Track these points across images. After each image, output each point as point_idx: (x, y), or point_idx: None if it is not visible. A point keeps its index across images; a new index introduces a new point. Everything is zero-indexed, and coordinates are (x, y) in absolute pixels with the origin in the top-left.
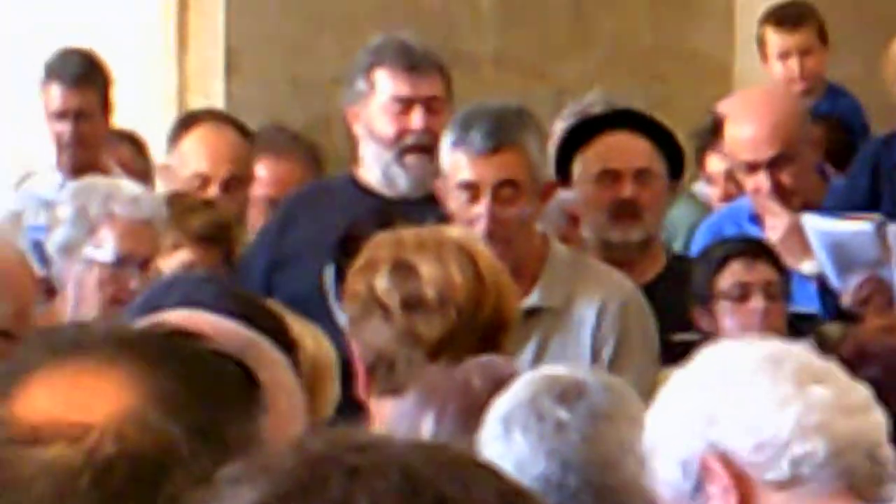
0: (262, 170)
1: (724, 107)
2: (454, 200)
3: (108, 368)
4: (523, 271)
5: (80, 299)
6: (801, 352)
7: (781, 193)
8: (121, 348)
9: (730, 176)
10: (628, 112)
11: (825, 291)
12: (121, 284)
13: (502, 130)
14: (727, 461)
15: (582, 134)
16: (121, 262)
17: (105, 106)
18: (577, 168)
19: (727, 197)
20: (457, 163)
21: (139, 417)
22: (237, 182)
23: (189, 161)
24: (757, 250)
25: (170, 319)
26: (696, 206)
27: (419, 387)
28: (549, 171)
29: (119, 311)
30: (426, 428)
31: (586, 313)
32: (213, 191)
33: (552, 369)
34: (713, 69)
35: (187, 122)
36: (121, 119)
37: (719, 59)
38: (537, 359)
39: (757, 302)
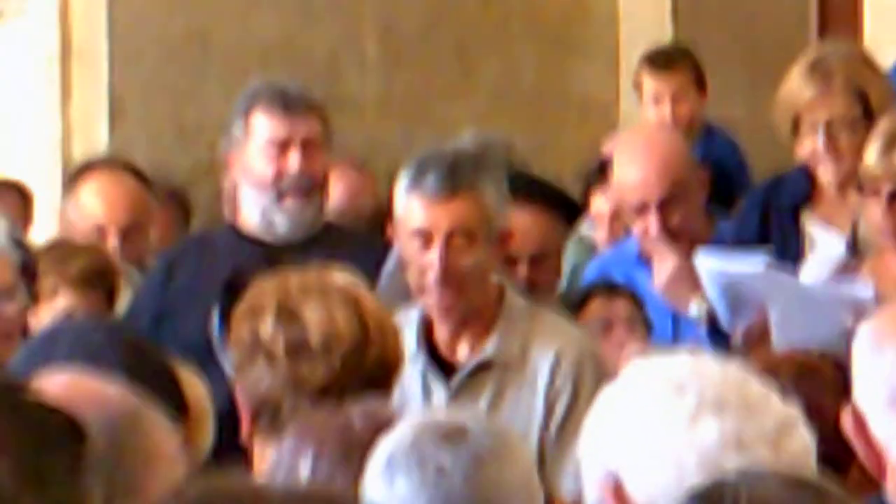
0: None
1: (610, 148)
2: (407, 246)
3: None
4: (478, 320)
5: None
6: (717, 374)
7: (670, 235)
8: None
9: (615, 217)
10: (514, 178)
11: (715, 332)
12: None
13: (458, 175)
14: (619, 493)
15: None
16: None
17: None
18: None
19: (613, 238)
20: (410, 208)
21: None
22: (136, 229)
23: (86, 212)
24: (615, 287)
25: (53, 383)
26: (583, 247)
27: (297, 429)
28: (507, 216)
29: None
30: (304, 470)
31: (541, 366)
32: (112, 241)
33: (433, 412)
34: (597, 111)
35: (83, 171)
36: (5, 167)
37: (603, 100)
38: (491, 411)
39: (620, 333)
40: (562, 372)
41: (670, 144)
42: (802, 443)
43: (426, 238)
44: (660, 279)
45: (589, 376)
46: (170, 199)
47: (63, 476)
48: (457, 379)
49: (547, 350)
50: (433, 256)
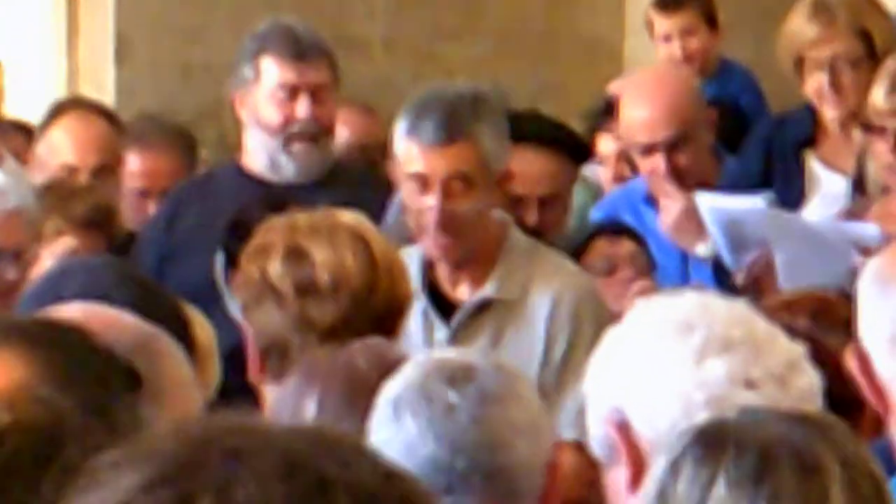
0: (134, 162)
1: (617, 88)
2: (405, 189)
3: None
4: (478, 261)
5: None
6: (724, 313)
7: (677, 175)
8: (9, 332)
9: (621, 157)
10: (523, 119)
11: (720, 271)
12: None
13: (454, 122)
14: (625, 429)
15: None
16: None
17: None
18: None
19: (618, 178)
20: (408, 153)
21: (31, 391)
22: (106, 171)
23: (57, 152)
24: (619, 228)
25: (67, 312)
26: (587, 189)
27: (302, 369)
28: (506, 157)
29: (1, 303)
30: (309, 410)
31: (540, 305)
32: (82, 180)
33: (442, 352)
34: (603, 51)
35: (55, 112)
36: (11, 108)
37: (609, 41)
38: (492, 350)
39: (625, 273)
40: (561, 312)
41: (678, 84)
42: (809, 380)
43: (424, 183)
44: (667, 220)
45: (588, 316)
46: (177, 140)
47: (126, 415)
48: (457, 318)
49: (547, 290)
50: (431, 201)
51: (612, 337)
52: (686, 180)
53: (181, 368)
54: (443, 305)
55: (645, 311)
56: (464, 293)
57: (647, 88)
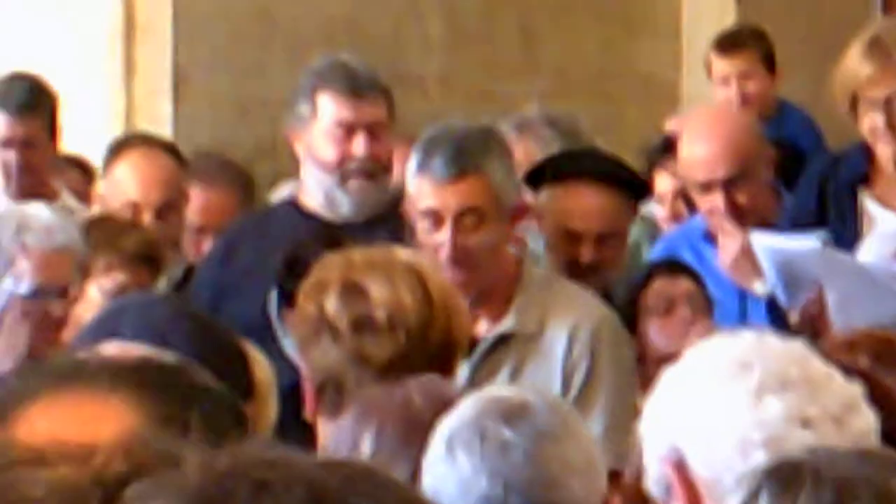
0: (192, 198)
1: (676, 125)
2: (418, 226)
3: (109, 394)
4: (495, 296)
5: (4, 332)
6: (782, 352)
7: (736, 213)
8: (119, 375)
9: (678, 195)
10: (584, 157)
11: (775, 310)
12: (42, 315)
13: (464, 157)
14: (682, 468)
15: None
16: (38, 293)
17: (52, 132)
18: (541, 201)
19: (675, 216)
20: (420, 189)
21: (145, 438)
22: (170, 207)
23: (121, 189)
24: (676, 266)
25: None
26: (643, 226)
27: (359, 405)
28: (518, 191)
29: (45, 341)
30: (365, 446)
31: (558, 337)
32: (146, 218)
33: (497, 389)
34: (661, 89)
35: (118, 148)
36: (69, 142)
37: (667, 78)
38: (510, 383)
39: (682, 312)
40: (579, 343)
41: (738, 122)
42: (866, 421)
43: (436, 219)
44: (725, 257)
45: (606, 346)
46: (235, 177)
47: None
48: (476, 353)
49: (564, 321)
50: (444, 237)
51: (670, 376)
52: (745, 218)
53: None
54: None
55: (703, 350)
56: (482, 328)
57: (706, 126)
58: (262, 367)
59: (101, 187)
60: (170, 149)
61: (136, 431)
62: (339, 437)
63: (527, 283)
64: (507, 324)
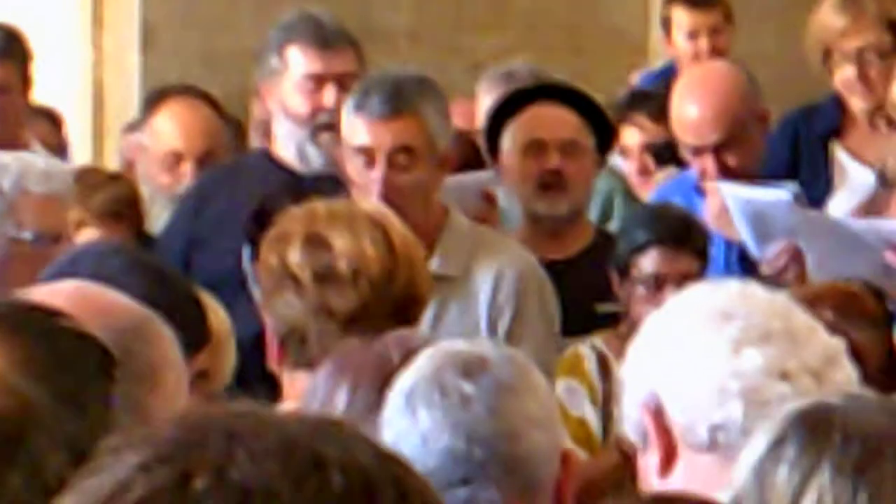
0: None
1: (635, 79)
2: (351, 165)
3: None
4: (421, 239)
5: (3, 277)
6: (765, 304)
7: (727, 175)
8: None
9: (644, 149)
10: (556, 85)
11: (745, 261)
12: (43, 260)
13: (400, 97)
14: (659, 415)
15: (510, 106)
16: (38, 238)
17: (25, 81)
18: (506, 140)
19: (642, 171)
20: (354, 127)
21: (1, 379)
22: (211, 157)
23: (162, 139)
24: (681, 237)
25: (62, 290)
26: (613, 177)
27: (334, 359)
28: (450, 140)
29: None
30: (340, 400)
31: (483, 282)
32: (187, 167)
33: (454, 343)
34: (627, 43)
35: (158, 99)
36: (38, 95)
37: (633, 32)
38: (434, 326)
39: (670, 294)
40: (505, 287)
41: (731, 83)
42: (846, 375)
43: (369, 156)
44: (711, 213)
45: (532, 291)
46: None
47: (97, 401)
48: None
49: (489, 266)
50: (376, 174)
51: (653, 322)
52: (736, 179)
53: (173, 351)
54: None
55: (686, 299)
56: None
57: (698, 87)
58: (218, 316)
59: (141, 138)
60: (208, 98)
61: None
62: (314, 390)
63: (452, 229)
64: (431, 265)
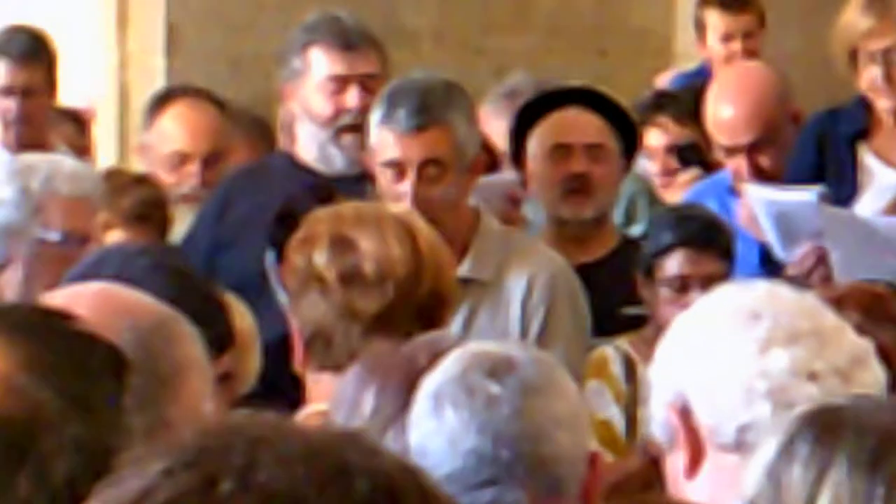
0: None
1: (662, 81)
2: (381, 177)
3: None
4: (453, 245)
5: (30, 278)
6: (793, 304)
7: (761, 176)
8: None
9: (669, 150)
10: (581, 89)
11: (768, 261)
12: (69, 261)
13: (428, 108)
14: (686, 415)
15: (536, 111)
16: (67, 239)
17: (51, 83)
18: (531, 145)
19: (666, 172)
20: (383, 140)
21: (8, 382)
22: (217, 158)
23: (168, 139)
24: (706, 239)
25: (86, 291)
26: (636, 181)
27: (363, 362)
28: (479, 145)
29: None
30: (367, 402)
31: (515, 286)
32: (193, 168)
33: (481, 345)
34: (653, 45)
35: (163, 99)
36: (63, 96)
37: (659, 34)
38: (465, 330)
39: (695, 296)
40: (536, 292)
41: (765, 84)
42: (874, 376)
43: (399, 170)
44: (743, 214)
45: (563, 296)
46: (253, 126)
47: (106, 403)
48: None
49: (522, 270)
50: (406, 188)
51: (681, 322)
52: (770, 179)
53: (197, 351)
54: None
55: (714, 299)
56: None
57: (733, 87)
58: (243, 318)
59: (146, 138)
60: (214, 99)
61: (1, 375)
62: (342, 393)
63: (484, 233)
64: (462, 269)
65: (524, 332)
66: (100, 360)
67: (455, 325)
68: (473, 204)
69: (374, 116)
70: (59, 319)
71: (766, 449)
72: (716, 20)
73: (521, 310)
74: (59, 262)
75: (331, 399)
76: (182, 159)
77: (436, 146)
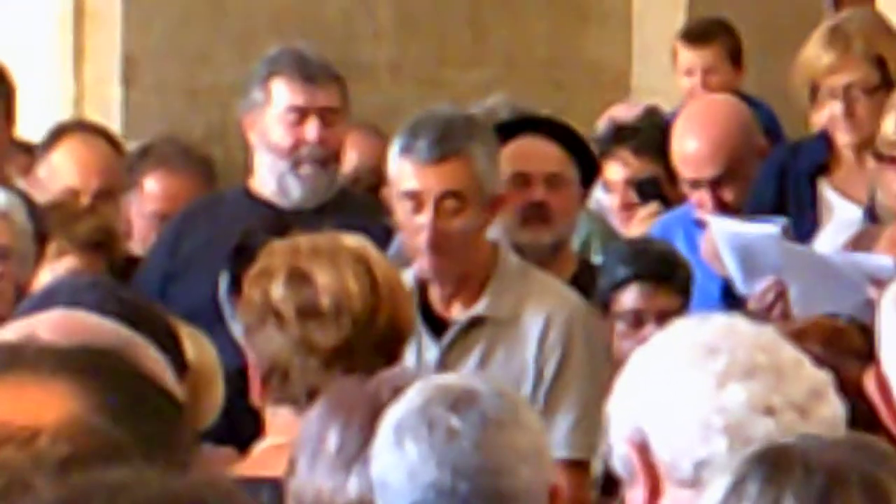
0: (154, 184)
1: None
2: (398, 209)
3: (50, 380)
4: (471, 281)
5: None
6: (750, 338)
7: (724, 209)
8: (60, 362)
9: (628, 184)
10: (541, 118)
11: (729, 296)
12: None
13: (448, 139)
14: (644, 450)
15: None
16: None
17: (8, 117)
18: None
19: (626, 206)
20: (402, 171)
21: (88, 423)
22: (107, 194)
23: (59, 174)
24: (661, 273)
25: (46, 319)
26: (589, 221)
27: (326, 398)
28: (499, 180)
29: None
30: (332, 439)
31: (532, 325)
32: (83, 203)
33: (444, 377)
34: (610, 78)
35: (56, 134)
36: (18, 128)
37: (616, 67)
38: (481, 368)
39: (649, 331)
40: (553, 332)
41: (730, 118)
42: (832, 410)
43: (417, 201)
44: (707, 248)
45: (580, 337)
46: (196, 163)
47: (177, 444)
48: (448, 336)
49: (539, 309)
50: (424, 220)
51: (638, 356)
52: (732, 213)
53: (159, 374)
54: (436, 325)
55: (672, 333)
56: (456, 312)
57: (698, 121)
58: (205, 351)
59: (38, 172)
60: (106, 135)
61: (76, 416)
62: (307, 429)
63: (502, 270)
64: (479, 307)
65: (540, 373)
66: (164, 401)
67: (471, 363)
68: (493, 239)
69: (394, 146)
70: (125, 364)
71: (716, 488)
72: (682, 53)
73: (537, 349)
74: None
75: (295, 435)
76: (72, 195)
77: (455, 178)
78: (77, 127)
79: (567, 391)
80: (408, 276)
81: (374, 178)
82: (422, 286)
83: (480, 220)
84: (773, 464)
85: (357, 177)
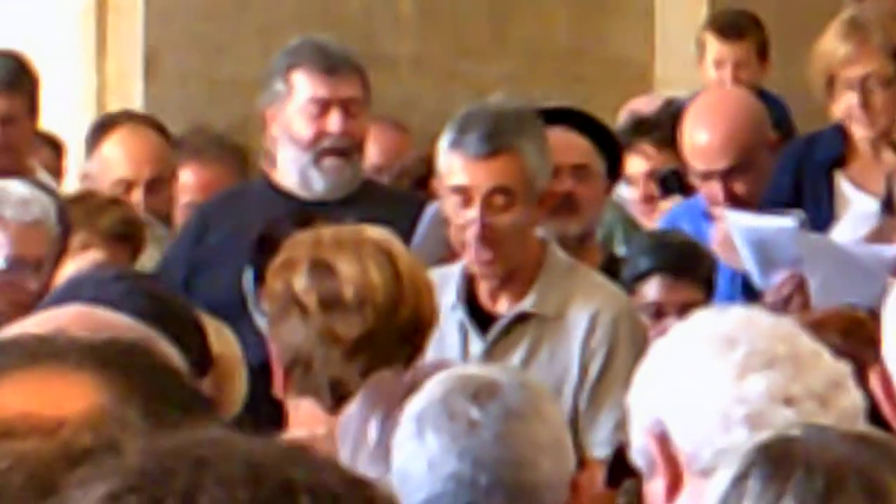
0: (188, 175)
1: (637, 106)
2: (447, 203)
3: (76, 371)
4: (518, 276)
5: None
6: (769, 329)
7: (734, 202)
8: (86, 355)
9: (650, 177)
10: (567, 110)
11: (748, 290)
12: (17, 288)
13: (498, 134)
14: (664, 441)
15: None
16: (14, 266)
17: (32, 110)
18: None
19: (647, 199)
20: (451, 165)
21: (111, 414)
22: (160, 183)
23: (110, 167)
24: (683, 266)
25: (64, 314)
26: (612, 211)
27: (367, 390)
28: (549, 175)
29: (18, 314)
30: (372, 432)
31: (578, 323)
32: (137, 195)
33: (466, 368)
34: (632, 71)
35: (104, 126)
36: (42, 121)
37: (638, 60)
38: (525, 364)
39: (670, 323)
40: (599, 330)
41: (742, 110)
42: (852, 400)
43: (466, 196)
44: (717, 239)
45: (626, 336)
46: (229, 153)
47: None
48: (494, 330)
49: (585, 307)
50: (473, 214)
51: (658, 349)
52: (744, 205)
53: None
54: (482, 320)
55: (691, 325)
56: (503, 308)
57: (709, 113)
58: (228, 343)
59: (88, 167)
60: (155, 125)
61: (101, 408)
62: (347, 421)
63: (550, 267)
64: (526, 303)
65: (584, 371)
66: (190, 394)
67: (515, 359)
68: (541, 235)
69: (444, 140)
70: (150, 356)
71: (720, 481)
72: (712, 44)
73: (581, 348)
74: (8, 289)
75: (336, 427)
76: (126, 187)
77: (505, 173)
78: (124, 118)
79: (611, 390)
80: (455, 269)
81: (424, 170)
82: (469, 280)
83: (529, 216)
84: (774, 461)
85: (379, 168)
